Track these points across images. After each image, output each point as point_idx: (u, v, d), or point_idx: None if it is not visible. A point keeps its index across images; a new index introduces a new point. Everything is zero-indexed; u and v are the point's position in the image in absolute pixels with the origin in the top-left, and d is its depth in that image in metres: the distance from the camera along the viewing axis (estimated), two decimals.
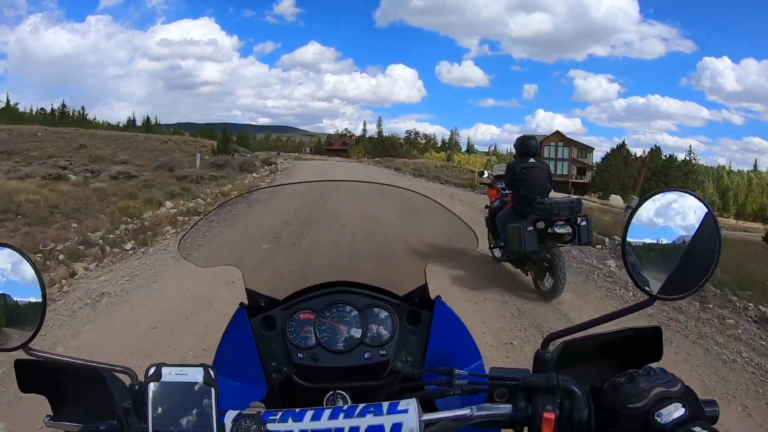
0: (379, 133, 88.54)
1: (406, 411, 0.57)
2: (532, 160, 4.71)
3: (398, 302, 0.94)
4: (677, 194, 0.67)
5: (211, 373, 0.56)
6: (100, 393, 0.60)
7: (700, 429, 0.52)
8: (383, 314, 0.91)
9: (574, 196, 4.42)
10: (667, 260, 0.66)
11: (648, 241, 0.67)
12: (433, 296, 0.94)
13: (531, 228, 4.11)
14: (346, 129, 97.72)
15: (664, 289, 0.65)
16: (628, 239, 0.66)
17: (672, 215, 0.67)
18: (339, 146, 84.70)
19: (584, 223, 4.10)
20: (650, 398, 0.55)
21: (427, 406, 0.68)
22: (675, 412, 0.54)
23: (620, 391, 0.57)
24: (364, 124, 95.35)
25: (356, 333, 0.88)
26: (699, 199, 0.66)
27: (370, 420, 0.56)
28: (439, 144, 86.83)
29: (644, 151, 57.68)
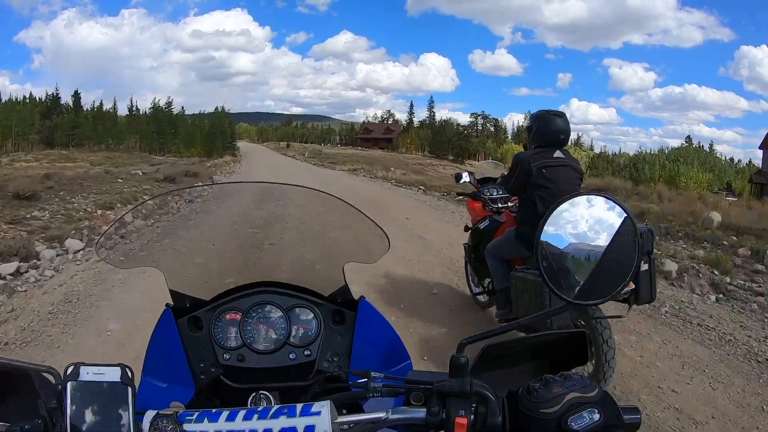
0: (431, 118, 75.17)
1: (319, 413, 0.58)
2: (558, 153, 2.81)
3: (322, 302, 0.96)
4: (594, 198, 0.68)
5: (128, 372, 0.58)
6: (26, 393, 0.62)
7: None
8: (308, 314, 0.94)
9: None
10: (584, 265, 0.67)
11: (564, 246, 0.67)
12: (357, 296, 0.97)
13: None
14: (389, 112, 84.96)
15: (581, 294, 0.66)
16: (545, 244, 0.67)
17: (589, 220, 0.67)
18: (380, 135, 72.46)
19: (646, 266, 2.38)
20: (564, 403, 0.55)
21: (353, 407, 0.73)
22: (589, 417, 0.54)
23: (534, 395, 0.57)
24: (411, 106, 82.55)
25: (281, 333, 0.92)
26: (617, 202, 0.67)
27: (283, 422, 0.57)
28: (510, 133, 72.68)
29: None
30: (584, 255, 0.67)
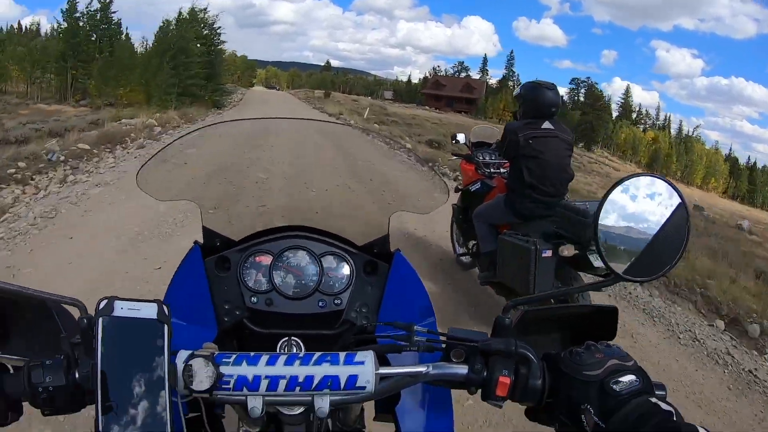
0: (509, 76, 59.41)
1: (363, 363, 0.58)
2: (547, 124, 2.89)
3: (356, 252, 0.95)
4: (650, 179, 0.71)
5: (165, 309, 0.56)
6: (47, 326, 0.60)
7: (657, 400, 0.56)
8: (340, 263, 0.92)
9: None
10: (636, 244, 0.71)
11: (619, 224, 0.72)
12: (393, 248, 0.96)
13: (549, 253, 2.57)
14: (461, 64, 68.73)
15: (630, 270, 0.71)
16: (601, 222, 0.71)
17: (644, 201, 0.71)
18: (457, 93, 56.55)
19: None
20: (606, 367, 0.59)
21: (379, 359, 0.78)
22: (630, 382, 0.57)
23: (577, 358, 0.60)
24: (484, 62, 66.06)
25: (312, 280, 0.90)
26: (672, 186, 0.70)
27: (327, 369, 0.57)
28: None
29: None
30: (636, 234, 0.71)
